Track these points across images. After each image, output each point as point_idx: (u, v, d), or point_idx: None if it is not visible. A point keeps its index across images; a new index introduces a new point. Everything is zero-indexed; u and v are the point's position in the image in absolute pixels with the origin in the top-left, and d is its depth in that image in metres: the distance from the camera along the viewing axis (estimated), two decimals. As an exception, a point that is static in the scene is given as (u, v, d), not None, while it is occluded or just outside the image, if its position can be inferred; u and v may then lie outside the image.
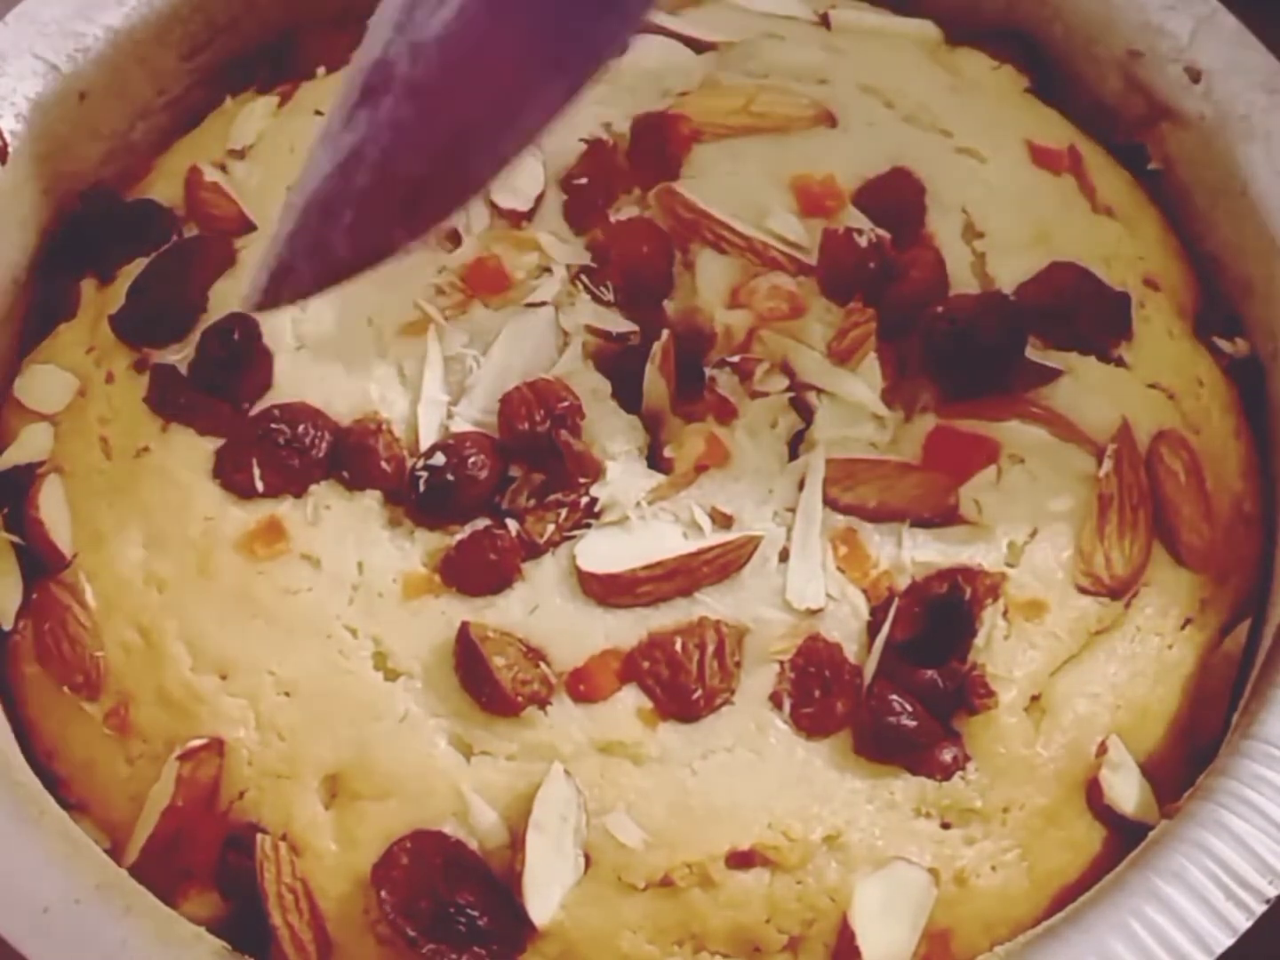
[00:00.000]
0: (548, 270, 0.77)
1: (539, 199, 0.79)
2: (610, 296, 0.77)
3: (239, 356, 0.75)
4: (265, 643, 0.70)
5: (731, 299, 0.75)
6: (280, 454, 0.73)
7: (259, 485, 0.73)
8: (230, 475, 0.73)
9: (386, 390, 0.75)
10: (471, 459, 0.71)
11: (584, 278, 0.77)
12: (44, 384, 0.79)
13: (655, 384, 0.74)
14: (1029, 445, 0.73)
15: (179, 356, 0.77)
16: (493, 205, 0.79)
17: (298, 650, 0.70)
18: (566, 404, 0.72)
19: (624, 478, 0.72)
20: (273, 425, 0.73)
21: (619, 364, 0.75)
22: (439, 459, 0.71)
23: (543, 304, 0.76)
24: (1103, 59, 0.89)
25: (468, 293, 0.77)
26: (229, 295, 0.78)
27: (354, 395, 0.75)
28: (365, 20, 0.90)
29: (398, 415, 0.74)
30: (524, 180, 0.79)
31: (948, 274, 0.77)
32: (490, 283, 0.77)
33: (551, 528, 0.70)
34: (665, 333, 0.75)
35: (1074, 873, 0.69)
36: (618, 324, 0.76)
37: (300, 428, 0.73)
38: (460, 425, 0.73)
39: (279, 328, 0.76)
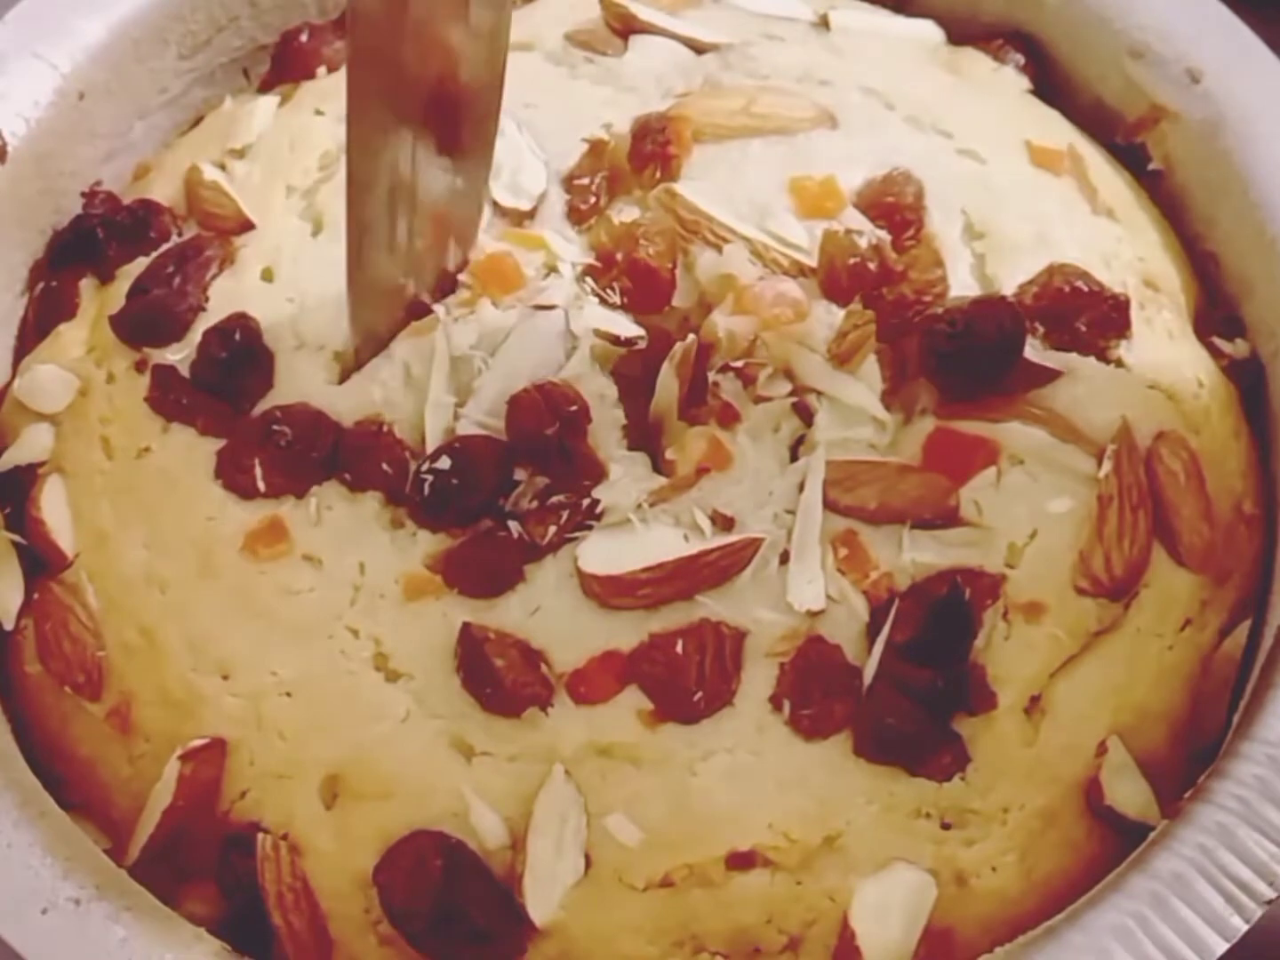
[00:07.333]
0: (555, 270, 0.76)
1: (540, 198, 0.79)
2: (617, 299, 0.76)
3: (240, 357, 0.75)
4: (267, 643, 0.70)
5: (736, 305, 0.75)
6: (282, 455, 0.72)
7: (261, 486, 0.73)
8: (232, 475, 0.73)
9: (391, 391, 0.74)
10: (478, 464, 0.71)
11: (590, 281, 0.76)
12: (45, 384, 0.79)
13: (669, 383, 0.74)
14: (1029, 446, 0.73)
15: (180, 356, 0.76)
16: (495, 203, 0.79)
17: (299, 651, 0.70)
18: (575, 407, 0.71)
19: (626, 480, 0.72)
20: (274, 426, 0.73)
21: (623, 367, 0.75)
22: (444, 463, 0.70)
23: (552, 307, 0.75)
24: (1103, 59, 0.89)
25: (478, 289, 0.76)
26: (229, 295, 0.78)
27: (356, 396, 0.74)
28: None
29: (403, 416, 0.73)
30: (526, 179, 0.79)
31: (947, 275, 0.77)
32: (503, 279, 0.76)
33: (553, 530, 0.70)
34: (691, 337, 0.74)
35: (1073, 874, 0.69)
36: (626, 328, 0.75)
37: (302, 429, 0.73)
38: (466, 427, 0.72)
39: (280, 328, 0.76)
